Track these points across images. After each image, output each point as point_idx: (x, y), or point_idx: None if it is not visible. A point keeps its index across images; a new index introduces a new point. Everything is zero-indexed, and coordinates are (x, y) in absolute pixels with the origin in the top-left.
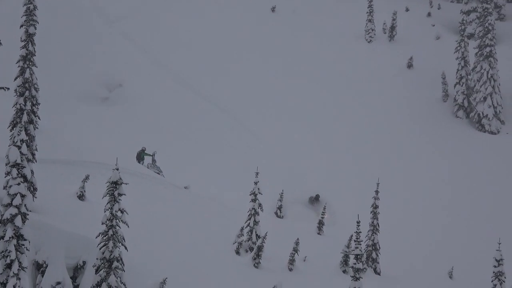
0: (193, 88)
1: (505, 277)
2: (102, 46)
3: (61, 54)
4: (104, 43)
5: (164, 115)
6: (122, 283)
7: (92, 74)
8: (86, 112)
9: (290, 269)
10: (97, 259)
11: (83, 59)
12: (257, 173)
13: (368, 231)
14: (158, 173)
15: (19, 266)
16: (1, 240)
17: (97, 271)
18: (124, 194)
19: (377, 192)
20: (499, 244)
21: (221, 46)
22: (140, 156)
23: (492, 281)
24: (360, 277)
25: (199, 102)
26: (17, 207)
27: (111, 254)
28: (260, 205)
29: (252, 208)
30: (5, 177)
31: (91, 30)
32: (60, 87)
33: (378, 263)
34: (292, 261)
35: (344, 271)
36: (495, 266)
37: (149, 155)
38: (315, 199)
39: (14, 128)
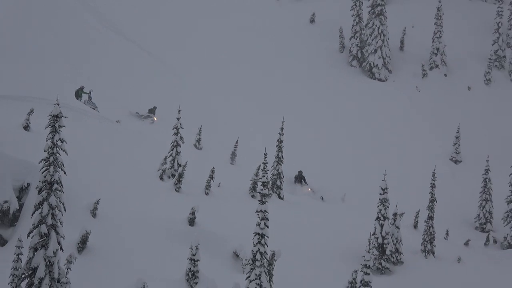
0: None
1: (389, 203)
2: None
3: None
4: None
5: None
6: (61, 202)
7: None
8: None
9: (207, 194)
10: (39, 181)
11: None
12: (179, 111)
13: (274, 162)
14: (93, 109)
15: None
16: None
17: (39, 192)
18: (64, 126)
19: (282, 129)
20: (385, 175)
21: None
22: (78, 94)
23: (378, 206)
24: (266, 201)
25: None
26: None
27: (51, 178)
28: (181, 138)
29: (175, 140)
30: None
31: None
32: None
33: (281, 189)
34: (208, 187)
35: (252, 196)
36: (380, 194)
37: (86, 93)
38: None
39: None
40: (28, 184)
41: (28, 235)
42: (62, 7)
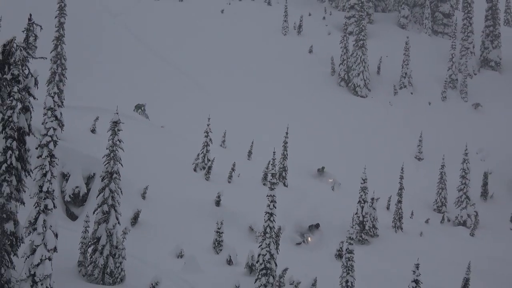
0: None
1: (367, 190)
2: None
3: None
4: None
5: (151, 80)
6: (119, 188)
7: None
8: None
9: (229, 182)
10: (102, 172)
11: None
12: (208, 118)
13: (281, 158)
14: (145, 117)
15: (51, 175)
16: (40, 157)
17: (102, 180)
18: (121, 130)
19: (287, 133)
20: (365, 169)
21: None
22: (138, 107)
23: (359, 192)
24: (274, 188)
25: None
26: (50, 136)
27: (112, 169)
28: (210, 139)
29: (205, 141)
30: (43, 116)
31: None
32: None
33: (286, 179)
34: (230, 177)
35: (264, 184)
36: (361, 183)
37: (141, 105)
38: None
39: (50, 85)
40: (94, 174)
41: (93, 212)
42: (125, 41)
